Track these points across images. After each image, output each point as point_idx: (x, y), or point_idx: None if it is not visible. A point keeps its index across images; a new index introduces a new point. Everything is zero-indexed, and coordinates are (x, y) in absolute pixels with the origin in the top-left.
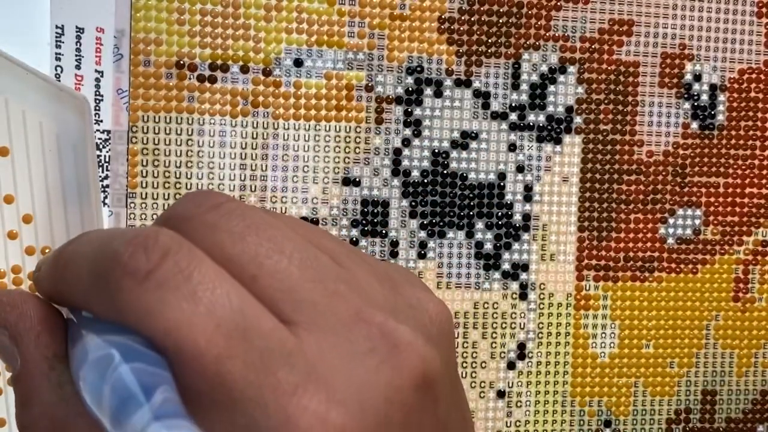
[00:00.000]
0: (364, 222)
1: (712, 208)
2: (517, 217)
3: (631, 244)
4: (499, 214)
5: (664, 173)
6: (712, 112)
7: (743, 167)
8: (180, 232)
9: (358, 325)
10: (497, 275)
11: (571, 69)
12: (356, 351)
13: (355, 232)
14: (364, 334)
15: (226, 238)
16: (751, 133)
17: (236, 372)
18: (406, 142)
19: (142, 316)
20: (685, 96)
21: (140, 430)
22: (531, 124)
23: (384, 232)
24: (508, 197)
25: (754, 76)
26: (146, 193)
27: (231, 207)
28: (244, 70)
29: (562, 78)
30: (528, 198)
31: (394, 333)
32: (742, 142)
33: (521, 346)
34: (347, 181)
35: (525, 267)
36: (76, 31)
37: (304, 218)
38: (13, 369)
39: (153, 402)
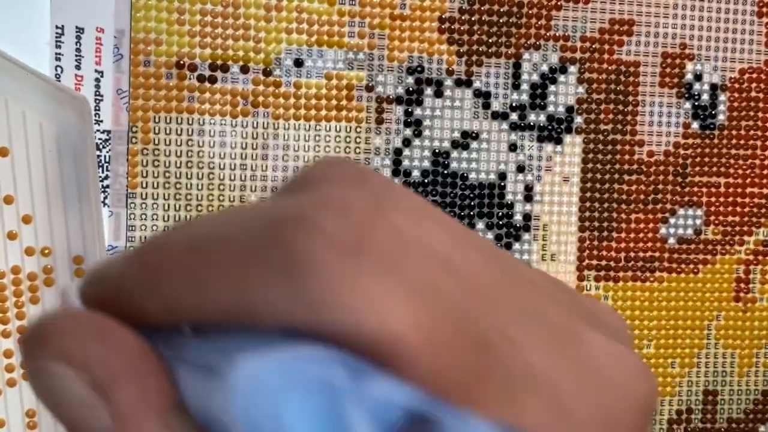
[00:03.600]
0: None
1: (713, 208)
2: (518, 217)
3: (632, 244)
4: (500, 214)
5: (664, 173)
6: (713, 112)
7: (744, 167)
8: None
9: (578, 344)
10: None
11: (572, 69)
12: (587, 379)
13: None
14: (587, 356)
15: (401, 219)
16: (751, 132)
17: (485, 399)
18: (407, 142)
19: (359, 308)
20: (686, 96)
21: None
22: (531, 124)
23: None
24: (509, 197)
25: (754, 75)
26: (146, 194)
27: (381, 178)
28: (245, 70)
29: (562, 78)
30: (528, 198)
31: (619, 356)
32: (742, 141)
33: None
34: None
35: None
36: (76, 32)
37: None
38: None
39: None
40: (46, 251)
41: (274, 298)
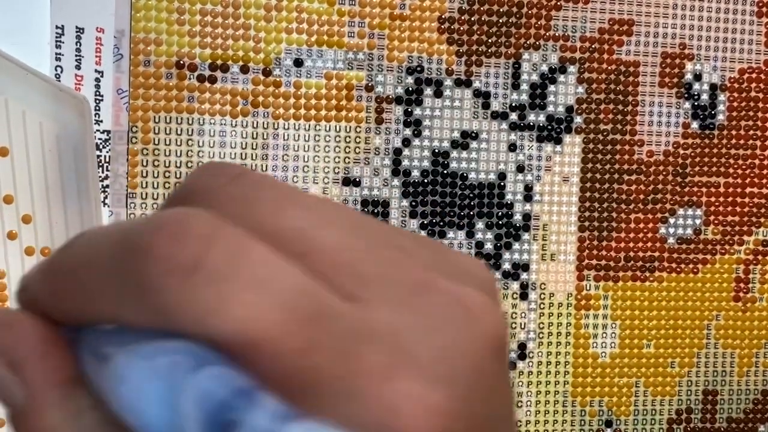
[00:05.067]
0: None
1: (712, 208)
2: (518, 217)
3: (631, 244)
4: (500, 214)
5: (664, 173)
6: (713, 112)
7: (743, 167)
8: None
9: (427, 294)
10: (498, 275)
11: (572, 69)
12: (432, 322)
13: None
14: (434, 302)
15: (264, 211)
16: (751, 132)
17: (323, 363)
18: (406, 142)
19: (201, 316)
20: (686, 95)
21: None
22: (531, 123)
23: None
24: (509, 197)
25: (754, 75)
26: (146, 193)
27: (255, 177)
28: (244, 70)
29: (562, 78)
30: (528, 198)
31: (465, 298)
32: (742, 141)
33: (522, 346)
34: (347, 181)
35: (525, 267)
36: (76, 32)
37: None
38: (16, 404)
39: (265, 404)
40: (46, 251)
41: (133, 315)
